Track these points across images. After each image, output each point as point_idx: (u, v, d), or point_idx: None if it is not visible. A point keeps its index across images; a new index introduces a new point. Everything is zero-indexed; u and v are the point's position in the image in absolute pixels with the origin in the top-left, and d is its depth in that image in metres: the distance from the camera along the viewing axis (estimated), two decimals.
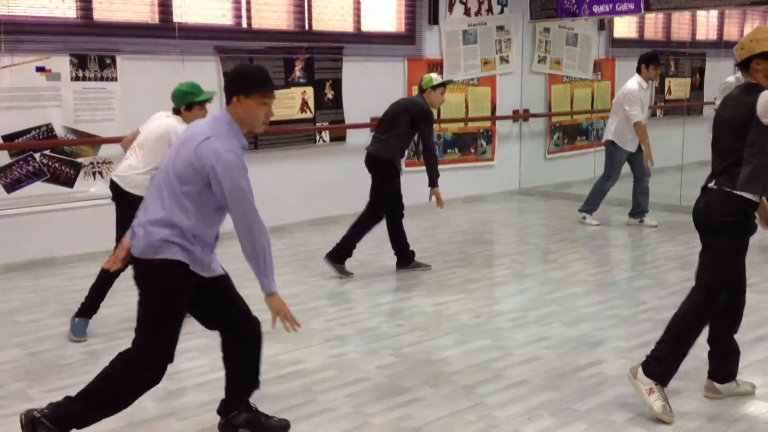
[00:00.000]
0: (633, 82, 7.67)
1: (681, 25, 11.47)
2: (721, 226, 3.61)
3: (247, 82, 3.11)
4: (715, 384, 3.86)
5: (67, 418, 3.05)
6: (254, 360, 3.44)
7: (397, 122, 5.99)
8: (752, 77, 3.60)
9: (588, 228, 7.93)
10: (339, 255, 6.06)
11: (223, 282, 3.33)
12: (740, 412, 3.71)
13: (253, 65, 3.38)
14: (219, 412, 3.49)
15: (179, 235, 3.06)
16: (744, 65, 3.62)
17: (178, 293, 3.12)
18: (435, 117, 6.69)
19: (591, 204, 8.04)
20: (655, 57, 7.67)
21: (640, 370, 3.69)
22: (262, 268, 3.13)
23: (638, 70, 7.67)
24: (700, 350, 4.43)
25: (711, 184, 3.66)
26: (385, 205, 6.08)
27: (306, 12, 7.84)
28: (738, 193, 3.56)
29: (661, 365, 3.66)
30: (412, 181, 6.25)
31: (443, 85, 6.10)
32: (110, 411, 3.17)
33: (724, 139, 3.65)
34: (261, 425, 3.47)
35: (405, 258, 6.27)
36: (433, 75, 6.12)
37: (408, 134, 6.06)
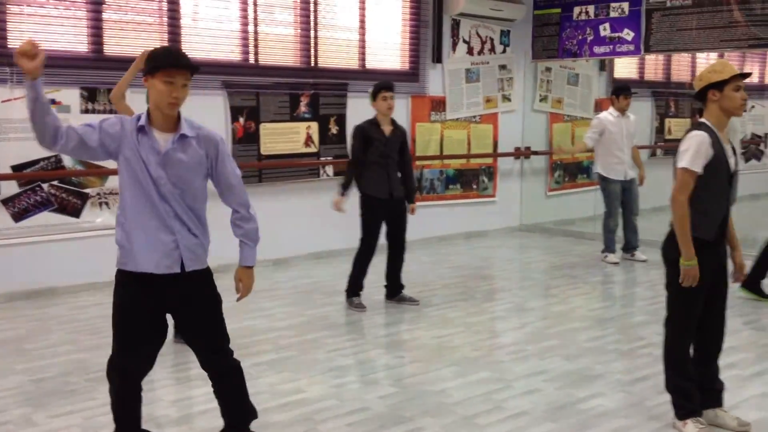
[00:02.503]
0: (604, 112, 8.10)
1: (681, 66, 11.64)
2: (669, 262, 3.79)
3: (152, 61, 3.10)
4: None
5: None
6: (233, 392, 3.46)
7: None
8: (706, 108, 3.73)
9: (592, 264, 7.98)
10: (349, 290, 6.24)
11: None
12: None
13: (164, 47, 3.35)
14: None
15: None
16: (700, 96, 3.75)
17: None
18: (438, 148, 6.69)
19: (606, 245, 8.13)
20: (623, 88, 8.01)
21: (675, 421, 3.85)
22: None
23: (611, 102, 8.07)
24: None
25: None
26: (368, 236, 6.13)
27: (312, 49, 7.99)
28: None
29: (681, 402, 3.82)
30: (415, 216, 6.30)
31: (378, 90, 6.02)
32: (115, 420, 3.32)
33: None
34: None
35: (391, 292, 6.38)
36: (373, 87, 6.10)
37: (368, 161, 6.03)
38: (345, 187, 6.04)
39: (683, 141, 3.71)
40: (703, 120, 3.74)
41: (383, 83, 6.09)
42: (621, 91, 7.95)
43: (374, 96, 6.04)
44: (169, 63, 3.06)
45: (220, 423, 3.67)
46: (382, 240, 6.21)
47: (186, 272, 3.17)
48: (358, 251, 6.19)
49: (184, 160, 3.13)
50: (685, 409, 3.81)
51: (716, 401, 3.92)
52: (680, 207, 3.68)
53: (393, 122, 6.15)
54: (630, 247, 8.15)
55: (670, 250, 3.78)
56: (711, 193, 3.69)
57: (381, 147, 6.02)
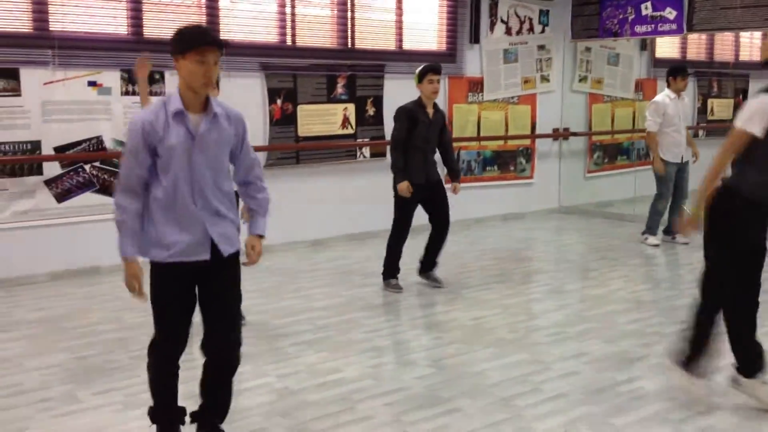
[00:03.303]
0: (660, 95, 7.86)
1: (724, 46, 11.40)
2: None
3: (182, 42, 3.05)
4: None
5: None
6: (216, 385, 3.39)
7: None
8: None
9: (632, 246, 7.90)
10: (386, 272, 6.24)
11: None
12: None
13: (192, 26, 3.29)
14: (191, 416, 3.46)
15: None
16: (766, 64, 3.75)
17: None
18: (475, 130, 6.64)
19: (649, 226, 8.02)
20: (680, 69, 7.79)
21: (740, 378, 3.85)
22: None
23: (667, 83, 7.82)
24: None
25: None
26: (401, 219, 6.09)
27: (349, 30, 7.97)
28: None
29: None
30: (452, 197, 6.28)
31: (425, 73, 5.94)
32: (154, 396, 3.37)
33: None
34: None
35: (423, 267, 6.34)
36: (419, 67, 6.02)
37: (408, 141, 5.96)
38: (403, 171, 5.90)
39: (746, 104, 3.67)
40: None
41: (431, 66, 6.00)
42: (678, 72, 7.73)
43: (420, 78, 5.96)
44: (201, 42, 3.03)
45: (257, 401, 3.71)
46: (416, 222, 6.19)
47: (221, 257, 3.18)
48: (391, 234, 6.18)
49: (217, 139, 3.13)
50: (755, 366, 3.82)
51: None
52: (720, 159, 3.68)
53: (435, 105, 6.10)
54: (672, 230, 8.03)
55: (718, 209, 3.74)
56: None
57: (424, 131, 5.97)
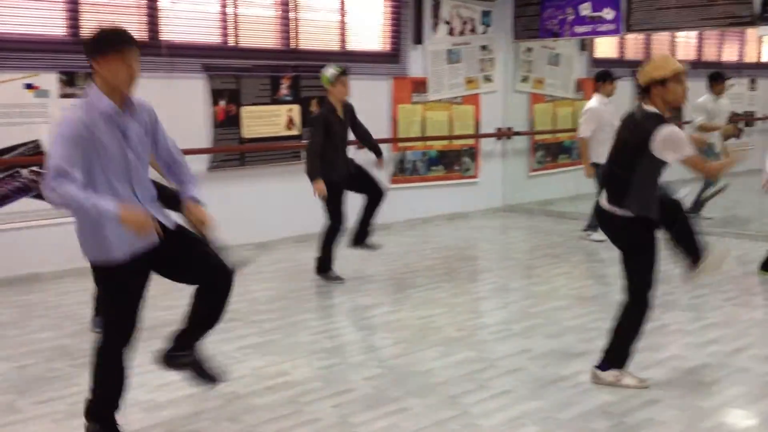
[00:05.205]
0: (594, 101, 7.96)
1: (661, 46, 11.67)
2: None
3: (103, 43, 3.13)
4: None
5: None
6: (217, 305, 3.46)
7: None
8: (651, 102, 3.95)
9: (574, 243, 8.03)
10: (321, 267, 6.38)
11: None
12: (715, 421, 3.79)
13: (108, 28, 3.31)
14: (168, 342, 3.53)
15: None
16: (644, 90, 3.96)
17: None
18: (420, 130, 6.71)
19: (591, 222, 8.02)
20: (607, 73, 7.95)
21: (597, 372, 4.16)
22: None
23: (596, 89, 7.96)
24: (680, 362, 4.54)
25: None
26: (332, 210, 6.23)
27: (292, 31, 7.94)
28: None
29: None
30: (398, 197, 6.33)
31: (337, 76, 6.08)
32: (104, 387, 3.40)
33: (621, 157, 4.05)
34: (201, 369, 3.56)
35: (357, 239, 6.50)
36: (329, 70, 6.14)
37: (327, 143, 6.12)
38: (319, 173, 6.05)
39: (658, 133, 3.88)
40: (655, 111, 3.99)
41: (342, 69, 6.17)
42: (606, 77, 7.90)
43: (332, 81, 6.11)
44: (124, 41, 3.13)
45: (202, 407, 3.68)
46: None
47: (169, 231, 3.30)
48: (327, 228, 6.30)
49: (139, 131, 3.24)
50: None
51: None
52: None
53: (344, 105, 6.28)
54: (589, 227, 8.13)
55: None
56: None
57: (340, 131, 6.20)
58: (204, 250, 3.41)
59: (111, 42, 3.12)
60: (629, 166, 3.95)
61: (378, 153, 6.55)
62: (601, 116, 7.79)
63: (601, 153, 7.82)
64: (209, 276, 3.38)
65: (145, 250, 3.24)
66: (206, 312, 3.46)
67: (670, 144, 3.83)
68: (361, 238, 6.49)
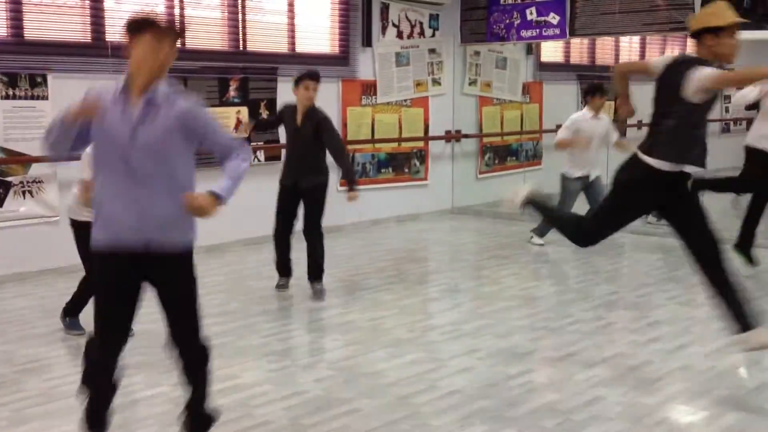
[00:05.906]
0: (579, 112, 7.86)
1: (605, 50, 11.91)
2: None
3: (128, 25, 3.12)
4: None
5: None
6: (195, 380, 3.37)
7: None
8: (699, 52, 3.85)
9: (521, 245, 8.13)
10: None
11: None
12: (659, 417, 3.88)
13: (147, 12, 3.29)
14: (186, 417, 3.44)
15: None
16: (694, 36, 3.86)
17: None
18: (369, 132, 6.66)
19: (540, 229, 7.98)
20: (597, 88, 7.78)
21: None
22: None
23: (585, 102, 7.84)
24: (624, 359, 4.64)
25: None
26: (277, 222, 6.17)
27: (240, 32, 7.90)
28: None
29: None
30: (344, 200, 6.30)
31: (302, 78, 5.88)
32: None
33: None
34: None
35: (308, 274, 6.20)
36: (298, 74, 6.02)
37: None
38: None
39: (694, 73, 3.76)
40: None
41: (309, 72, 5.93)
42: (596, 91, 7.72)
43: (297, 83, 5.91)
44: (149, 25, 3.08)
45: (162, 409, 3.63)
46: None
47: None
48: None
49: (156, 124, 3.19)
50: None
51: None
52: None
53: (308, 113, 5.87)
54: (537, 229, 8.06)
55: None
56: None
57: (290, 134, 6.03)
58: (182, 323, 3.26)
59: (137, 24, 3.05)
60: (667, 113, 3.80)
61: (348, 181, 5.94)
62: (579, 128, 7.62)
63: (573, 163, 7.80)
64: (182, 351, 3.28)
65: (131, 254, 3.13)
66: (190, 383, 3.37)
67: (705, 80, 3.65)
68: (309, 274, 6.13)
